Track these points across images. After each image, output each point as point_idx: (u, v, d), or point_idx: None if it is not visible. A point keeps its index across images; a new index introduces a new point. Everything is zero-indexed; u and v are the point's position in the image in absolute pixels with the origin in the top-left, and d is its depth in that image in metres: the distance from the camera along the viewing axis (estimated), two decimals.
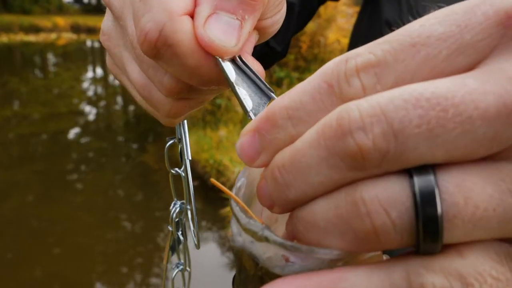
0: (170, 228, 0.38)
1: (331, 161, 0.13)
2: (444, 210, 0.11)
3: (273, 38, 0.43)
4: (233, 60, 0.23)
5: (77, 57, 12.56)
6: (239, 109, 4.11)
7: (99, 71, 10.42)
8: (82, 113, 6.11)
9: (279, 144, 0.15)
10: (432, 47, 0.12)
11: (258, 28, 0.25)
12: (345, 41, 5.08)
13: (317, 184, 0.13)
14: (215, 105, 4.25)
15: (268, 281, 0.14)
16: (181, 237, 0.38)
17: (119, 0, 0.25)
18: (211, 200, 3.01)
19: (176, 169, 0.36)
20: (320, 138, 0.13)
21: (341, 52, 5.07)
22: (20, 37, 15.02)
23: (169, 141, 0.35)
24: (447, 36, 0.12)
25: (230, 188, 0.17)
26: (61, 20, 19.06)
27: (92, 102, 6.99)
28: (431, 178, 0.12)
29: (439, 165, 0.12)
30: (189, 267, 0.40)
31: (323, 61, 4.94)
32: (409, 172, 0.12)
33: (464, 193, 0.12)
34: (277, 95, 0.17)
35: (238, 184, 0.17)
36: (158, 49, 0.21)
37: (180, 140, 0.34)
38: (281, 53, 0.50)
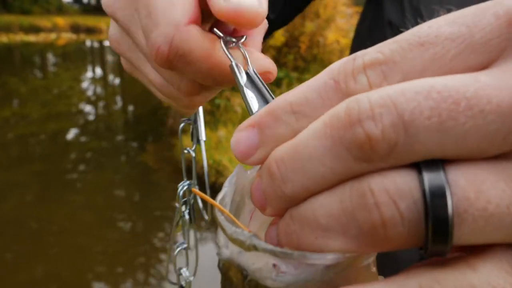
0: (177, 206, 0.38)
1: (336, 151, 0.12)
2: (454, 203, 0.11)
3: None
4: (246, 72, 0.24)
5: (77, 57, 12.55)
6: (238, 109, 4.11)
7: (98, 71, 10.42)
8: (82, 113, 6.11)
9: (279, 139, 0.14)
10: (440, 46, 0.12)
11: None
12: (345, 41, 5.08)
13: (319, 178, 0.12)
14: (214, 105, 4.24)
15: None
16: (187, 216, 0.38)
17: (124, 14, 0.25)
18: None
19: (188, 148, 0.37)
20: (326, 128, 0.12)
21: (341, 52, 5.08)
22: (20, 37, 15.00)
23: (183, 122, 0.36)
24: (456, 36, 0.12)
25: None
26: (60, 20, 19.04)
27: (91, 102, 6.98)
28: (440, 171, 0.11)
29: (450, 161, 0.12)
30: (196, 248, 0.41)
31: (322, 61, 4.94)
32: (417, 166, 0.12)
33: (476, 187, 0.11)
34: (276, 96, 0.17)
35: (222, 192, 0.16)
36: (171, 61, 0.22)
37: (195, 121, 0.36)
38: (276, 22, 0.50)
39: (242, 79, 0.23)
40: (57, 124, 5.38)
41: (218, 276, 0.16)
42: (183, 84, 0.25)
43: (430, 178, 0.11)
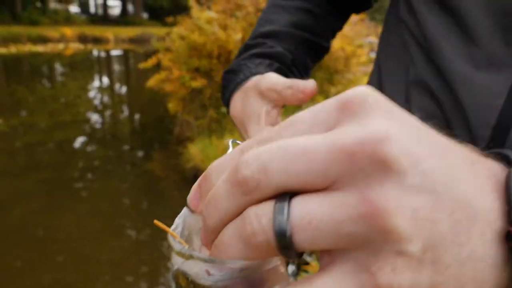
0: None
1: (231, 190, 0.18)
2: (290, 220, 0.16)
3: (323, 39, 0.62)
4: None
5: (84, 66, 12.71)
6: None
7: (105, 80, 10.53)
8: (88, 122, 6.17)
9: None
10: (299, 125, 0.19)
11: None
12: (350, 48, 5.09)
13: (226, 210, 0.18)
14: (220, 113, 4.26)
15: None
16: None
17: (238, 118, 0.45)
18: None
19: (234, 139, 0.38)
20: (227, 176, 0.19)
21: (346, 60, 5.08)
22: (29, 47, 15.25)
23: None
24: (307, 118, 0.19)
25: None
26: (68, 31, 19.32)
27: (98, 110, 7.05)
28: (286, 201, 0.17)
29: (297, 192, 0.17)
30: None
31: (328, 69, 4.95)
32: (275, 197, 0.17)
33: (307, 209, 0.16)
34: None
35: (175, 224, 0.23)
36: None
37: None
38: (328, 48, 0.67)
39: None
40: (64, 133, 5.44)
41: None
42: None
43: (278, 205, 0.17)
